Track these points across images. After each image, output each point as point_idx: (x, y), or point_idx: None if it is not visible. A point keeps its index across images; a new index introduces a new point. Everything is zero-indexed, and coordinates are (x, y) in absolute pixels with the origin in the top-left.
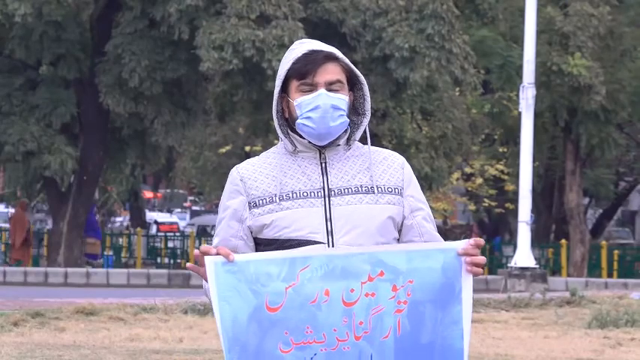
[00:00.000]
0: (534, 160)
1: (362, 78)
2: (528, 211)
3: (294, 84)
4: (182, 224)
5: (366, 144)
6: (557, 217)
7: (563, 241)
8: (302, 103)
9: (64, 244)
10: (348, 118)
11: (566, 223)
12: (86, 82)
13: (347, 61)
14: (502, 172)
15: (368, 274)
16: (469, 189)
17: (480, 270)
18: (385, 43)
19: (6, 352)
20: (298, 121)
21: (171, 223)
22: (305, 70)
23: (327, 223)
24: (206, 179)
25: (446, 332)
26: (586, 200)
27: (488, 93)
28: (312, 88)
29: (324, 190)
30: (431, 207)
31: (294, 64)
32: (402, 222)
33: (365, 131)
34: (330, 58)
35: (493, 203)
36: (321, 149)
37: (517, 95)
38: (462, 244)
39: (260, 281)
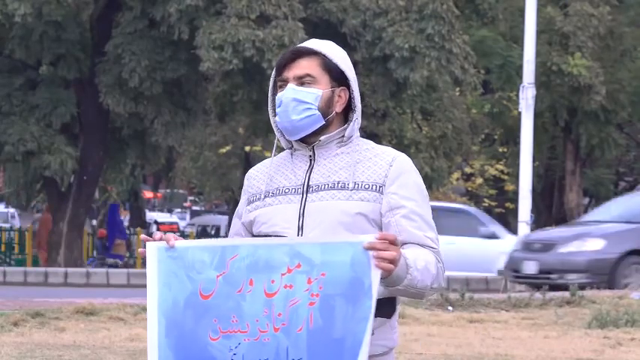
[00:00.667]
0: (534, 160)
1: (349, 73)
2: (528, 211)
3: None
4: (182, 224)
5: (377, 143)
6: (557, 217)
7: None
8: (276, 99)
9: (64, 244)
10: (325, 113)
11: (566, 222)
12: (86, 82)
13: (331, 56)
14: (502, 172)
15: (287, 266)
16: (469, 189)
17: (390, 266)
18: (385, 43)
19: (6, 352)
20: (275, 117)
21: (171, 223)
22: (278, 66)
23: (299, 219)
24: (206, 179)
25: (357, 328)
26: (586, 200)
27: (488, 93)
28: (285, 83)
29: (304, 186)
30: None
31: (277, 62)
32: (381, 220)
33: (353, 127)
34: (302, 53)
35: (493, 203)
36: (313, 146)
37: (517, 95)
38: (368, 238)
39: (195, 268)
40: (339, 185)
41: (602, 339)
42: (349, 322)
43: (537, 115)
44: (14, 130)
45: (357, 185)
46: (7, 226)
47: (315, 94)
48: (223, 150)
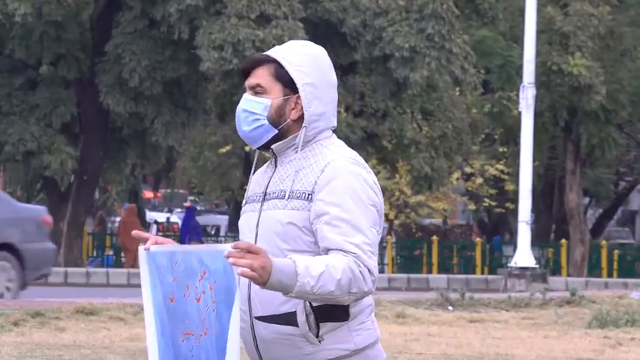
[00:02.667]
0: (534, 160)
1: (298, 82)
2: (528, 210)
3: None
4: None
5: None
6: (557, 217)
7: (563, 240)
8: None
9: (64, 244)
10: (274, 122)
11: (566, 222)
12: (86, 82)
13: (285, 62)
14: (502, 171)
15: (200, 273)
16: (469, 189)
17: (251, 273)
18: (385, 42)
19: (6, 351)
20: None
21: (172, 223)
22: (241, 75)
23: (256, 227)
24: (206, 179)
25: (232, 334)
26: (586, 200)
27: (488, 93)
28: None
29: (263, 194)
30: (431, 206)
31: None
32: (312, 228)
33: (304, 134)
34: (259, 62)
35: (493, 203)
36: (275, 154)
37: (517, 95)
38: (228, 247)
39: (162, 272)
40: (281, 194)
41: (602, 339)
42: (229, 328)
43: (537, 115)
44: (14, 130)
45: (292, 193)
46: None
47: (263, 104)
48: (223, 150)
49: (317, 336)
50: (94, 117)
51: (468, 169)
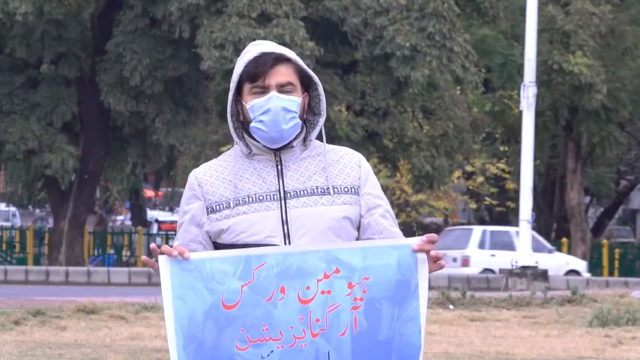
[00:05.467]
0: (535, 159)
1: (316, 78)
2: (529, 209)
3: (247, 87)
4: None
5: (379, 141)
6: (558, 216)
7: (564, 239)
8: (254, 106)
9: (65, 243)
10: (301, 119)
11: (567, 221)
12: (87, 81)
13: (300, 62)
14: (503, 170)
15: (324, 272)
16: (470, 187)
17: (442, 264)
18: (386, 41)
19: (7, 350)
20: (251, 124)
21: (173, 222)
22: (255, 73)
23: (283, 226)
24: None
25: (403, 329)
26: (587, 199)
27: (489, 92)
28: (264, 90)
29: (279, 192)
30: (432, 205)
31: (245, 67)
32: (360, 221)
33: (321, 131)
34: (280, 59)
35: (494, 202)
36: (277, 151)
37: (518, 94)
38: (415, 241)
39: (215, 279)
40: (319, 190)
41: (603, 337)
42: (395, 323)
43: (538, 114)
44: (15, 129)
45: (335, 189)
46: (8, 224)
47: (296, 102)
48: (224, 148)
49: None
50: (94, 116)
51: (468, 168)
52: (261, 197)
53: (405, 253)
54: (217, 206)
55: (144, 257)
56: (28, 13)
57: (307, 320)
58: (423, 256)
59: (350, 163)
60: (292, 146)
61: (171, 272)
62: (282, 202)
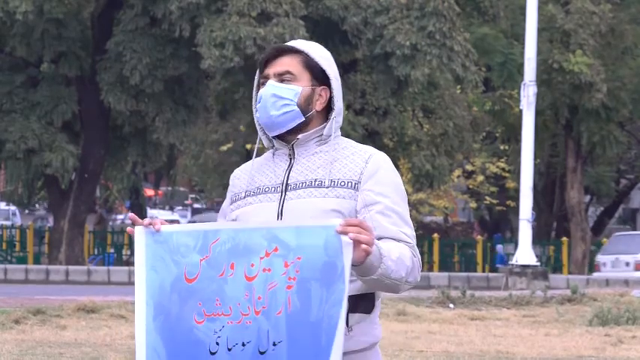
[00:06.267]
0: (535, 158)
1: (330, 72)
2: (529, 208)
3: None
4: (183, 222)
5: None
6: (558, 215)
7: (564, 238)
8: (257, 96)
9: (65, 242)
10: (304, 110)
11: (567, 220)
12: (87, 80)
13: (313, 55)
14: (503, 169)
15: (265, 250)
16: (470, 186)
17: (367, 248)
18: (386, 40)
19: (7, 349)
20: (255, 114)
21: (172, 221)
22: (261, 64)
23: (278, 217)
24: (207, 177)
25: (331, 311)
26: (587, 198)
27: (489, 91)
28: (266, 81)
29: (282, 185)
30: (432, 204)
31: (259, 59)
32: (356, 216)
33: (335, 125)
34: (284, 51)
35: (494, 201)
36: (292, 145)
37: (518, 93)
38: (336, 222)
39: (180, 252)
40: (316, 183)
41: (603, 336)
42: (324, 305)
43: (538, 113)
44: (15, 128)
45: (333, 182)
46: (8, 223)
47: (294, 90)
48: (224, 148)
49: (347, 325)
50: (95, 115)
51: (469, 167)
52: (267, 189)
53: (331, 234)
54: (236, 197)
55: (129, 229)
56: (28, 12)
57: (251, 297)
58: (346, 238)
59: (358, 159)
60: (298, 138)
61: (146, 243)
62: (283, 194)
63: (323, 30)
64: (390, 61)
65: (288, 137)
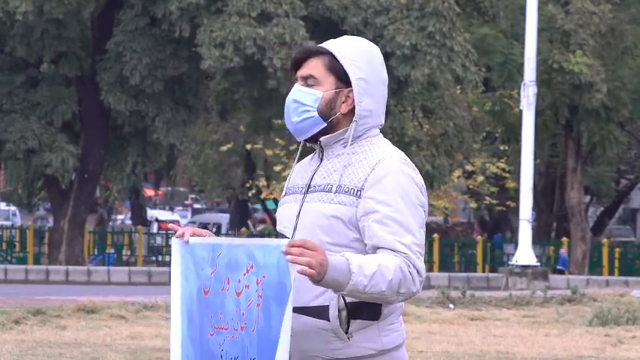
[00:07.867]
0: (535, 158)
1: (352, 76)
2: (529, 208)
3: None
4: (183, 222)
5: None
6: (558, 215)
7: (565, 238)
8: None
9: (66, 242)
10: (324, 115)
11: (567, 220)
12: (87, 80)
13: (341, 56)
14: (503, 169)
15: (246, 266)
16: (470, 187)
17: (309, 271)
18: (386, 40)
19: (7, 349)
20: None
21: (173, 221)
22: (292, 65)
23: (297, 218)
24: (207, 177)
25: (285, 330)
26: (587, 198)
27: (489, 91)
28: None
29: (306, 186)
30: (432, 205)
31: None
32: (358, 224)
33: (354, 129)
34: (313, 52)
35: (494, 201)
36: (322, 147)
37: (518, 93)
38: (283, 243)
39: (200, 264)
40: (327, 187)
41: (603, 337)
42: (279, 324)
43: (538, 113)
44: (15, 128)
45: (339, 188)
46: (8, 223)
47: (314, 95)
48: (224, 148)
49: (346, 332)
50: (95, 115)
51: (469, 167)
52: (296, 189)
53: (279, 254)
54: (283, 193)
55: (170, 224)
56: (28, 12)
57: (239, 313)
58: (289, 258)
59: (366, 165)
60: (320, 141)
61: (180, 253)
62: (304, 195)
63: (323, 30)
64: (390, 61)
65: (319, 138)
